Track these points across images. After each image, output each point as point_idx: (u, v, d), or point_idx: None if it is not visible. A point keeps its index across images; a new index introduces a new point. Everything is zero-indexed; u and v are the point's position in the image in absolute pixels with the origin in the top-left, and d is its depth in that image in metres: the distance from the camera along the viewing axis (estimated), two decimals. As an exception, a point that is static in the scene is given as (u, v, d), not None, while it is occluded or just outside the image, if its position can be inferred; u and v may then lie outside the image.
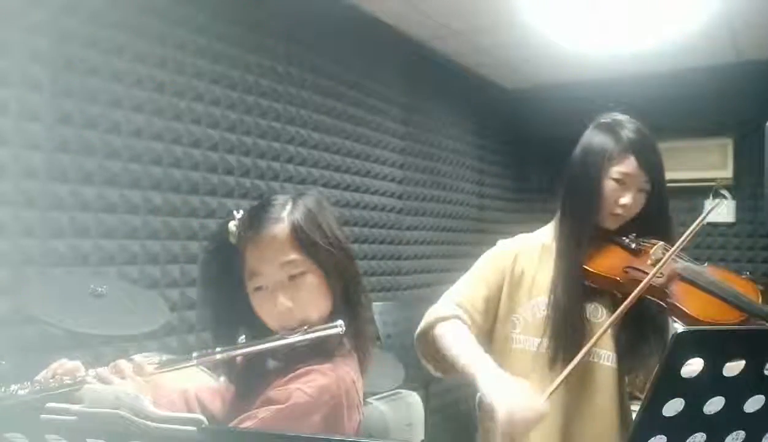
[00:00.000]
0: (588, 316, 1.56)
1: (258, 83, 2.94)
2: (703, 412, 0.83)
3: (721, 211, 4.53)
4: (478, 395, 1.50)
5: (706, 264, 1.55)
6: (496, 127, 4.93)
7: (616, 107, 1.67)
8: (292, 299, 1.14)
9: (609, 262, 1.55)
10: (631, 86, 4.42)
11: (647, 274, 1.45)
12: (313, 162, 3.25)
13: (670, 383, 0.81)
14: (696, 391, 0.82)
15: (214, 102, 2.73)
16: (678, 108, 4.38)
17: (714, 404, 0.83)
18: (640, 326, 1.53)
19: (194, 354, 1.13)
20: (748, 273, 4.09)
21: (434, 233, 4.24)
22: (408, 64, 3.99)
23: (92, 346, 2.22)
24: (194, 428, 0.75)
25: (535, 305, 1.60)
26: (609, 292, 1.56)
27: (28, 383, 1.10)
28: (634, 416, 1.64)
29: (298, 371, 1.10)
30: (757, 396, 0.85)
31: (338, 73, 3.42)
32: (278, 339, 1.13)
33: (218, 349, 1.12)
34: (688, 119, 4.43)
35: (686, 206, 4.65)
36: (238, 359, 1.21)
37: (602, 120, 1.63)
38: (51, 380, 1.10)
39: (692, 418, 0.83)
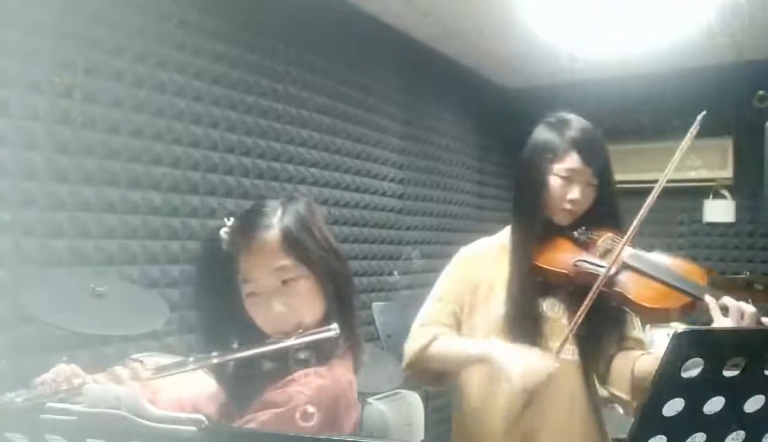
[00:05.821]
0: (545, 311, 1.59)
1: (258, 83, 2.94)
2: (703, 412, 0.83)
3: (721, 211, 4.53)
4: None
5: (656, 251, 1.57)
6: (496, 127, 4.92)
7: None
8: (286, 304, 1.15)
9: (559, 257, 1.58)
10: (631, 86, 4.42)
11: (596, 266, 1.49)
12: (313, 162, 3.24)
13: (670, 383, 0.81)
14: (696, 391, 0.82)
15: (214, 102, 2.73)
16: (678, 108, 4.38)
17: (714, 404, 0.83)
18: (598, 319, 1.54)
19: (190, 359, 1.13)
20: (747, 273, 4.09)
21: (434, 232, 4.24)
22: (408, 64, 3.99)
23: (92, 346, 2.23)
24: (194, 428, 0.75)
25: (493, 306, 1.62)
26: (563, 286, 1.58)
27: (24, 391, 1.10)
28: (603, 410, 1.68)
29: (295, 374, 1.11)
30: (757, 396, 0.85)
31: (338, 73, 3.42)
32: (274, 343, 1.13)
33: (214, 353, 1.13)
34: (688, 119, 4.42)
35: (686, 206, 4.65)
36: (231, 363, 1.21)
37: (547, 119, 1.67)
38: (47, 386, 1.10)
39: (692, 418, 0.83)
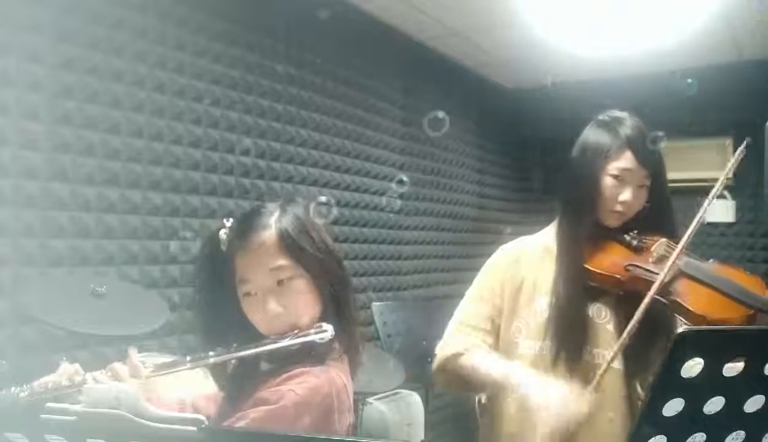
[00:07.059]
0: (591, 316, 1.54)
1: (258, 83, 2.94)
2: (703, 412, 0.83)
3: (721, 211, 4.53)
4: (478, 396, 1.50)
5: (711, 260, 1.52)
6: (496, 127, 4.92)
7: (615, 106, 1.66)
8: (282, 304, 1.15)
9: (610, 260, 1.51)
10: (632, 86, 4.42)
11: (649, 271, 1.43)
12: (313, 162, 3.24)
13: (670, 383, 0.81)
14: (696, 391, 0.82)
15: (214, 102, 2.73)
16: (678, 108, 4.37)
17: (714, 404, 0.83)
18: (647, 328, 1.47)
19: (188, 358, 1.14)
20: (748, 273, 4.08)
21: (434, 232, 4.24)
22: (408, 64, 3.99)
23: (92, 346, 2.23)
24: (194, 428, 0.75)
25: (536, 308, 1.58)
26: (612, 291, 1.53)
27: (28, 386, 1.10)
28: None
29: (290, 373, 1.11)
30: (757, 396, 0.85)
31: (338, 73, 3.42)
32: (269, 343, 1.14)
33: (211, 353, 1.14)
34: (688, 119, 4.43)
35: (686, 206, 4.65)
36: (232, 363, 1.22)
37: (600, 117, 1.62)
38: (50, 383, 1.11)
39: (692, 418, 0.83)
